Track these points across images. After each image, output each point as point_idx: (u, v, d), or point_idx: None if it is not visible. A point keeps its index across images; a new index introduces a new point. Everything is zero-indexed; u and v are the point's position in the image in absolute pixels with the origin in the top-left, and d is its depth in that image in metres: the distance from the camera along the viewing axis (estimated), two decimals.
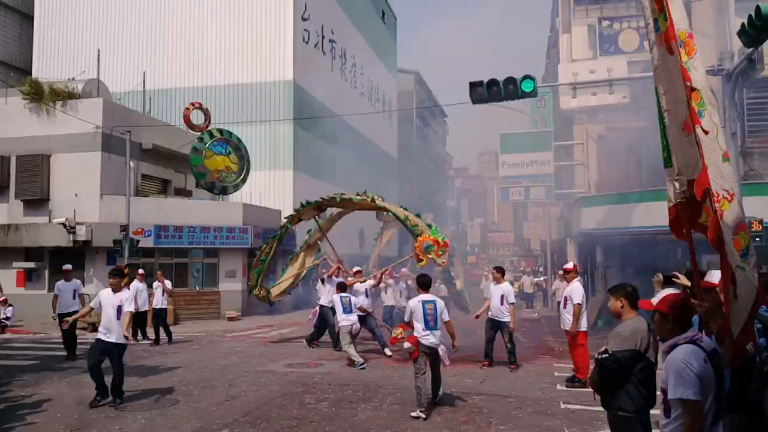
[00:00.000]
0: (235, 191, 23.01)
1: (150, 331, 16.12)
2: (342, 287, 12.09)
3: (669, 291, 3.62)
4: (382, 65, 46.75)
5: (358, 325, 11.67)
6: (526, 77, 12.97)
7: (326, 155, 32.61)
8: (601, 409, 4.34)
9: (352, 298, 11.88)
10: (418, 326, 7.72)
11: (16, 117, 20.54)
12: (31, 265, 19.45)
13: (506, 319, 10.64)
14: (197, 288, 21.47)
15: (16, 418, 7.67)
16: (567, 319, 9.52)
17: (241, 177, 22.78)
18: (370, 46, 43.21)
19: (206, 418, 7.54)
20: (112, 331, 8.33)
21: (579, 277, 10.33)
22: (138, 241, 19.01)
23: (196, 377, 10.28)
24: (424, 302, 7.78)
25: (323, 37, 33.32)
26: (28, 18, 31.04)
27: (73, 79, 21.95)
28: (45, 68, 29.09)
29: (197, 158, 21.36)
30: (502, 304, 10.67)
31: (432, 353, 7.82)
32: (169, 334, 15.06)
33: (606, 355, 4.06)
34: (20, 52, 30.59)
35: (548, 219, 28.57)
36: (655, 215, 17.45)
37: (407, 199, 55.53)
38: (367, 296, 12.89)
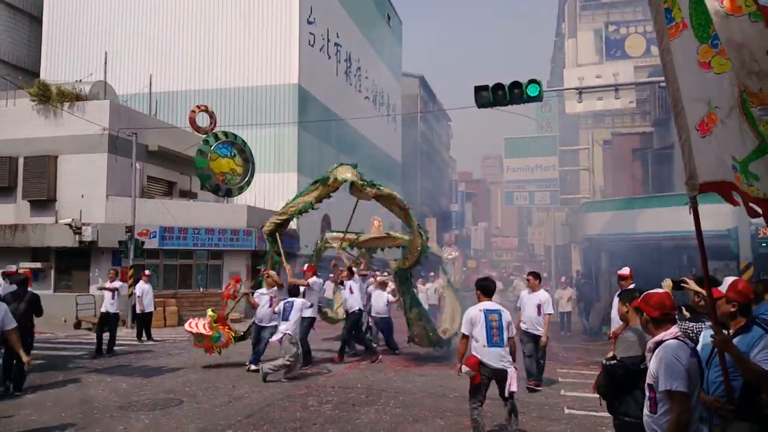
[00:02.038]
0: (239, 194, 23.08)
1: (155, 333, 16.23)
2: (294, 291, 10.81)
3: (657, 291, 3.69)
4: (387, 69, 46.86)
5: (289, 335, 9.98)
6: (532, 81, 12.97)
7: (330, 158, 32.61)
8: (606, 414, 4.36)
9: (296, 302, 10.30)
10: (478, 342, 6.22)
11: (24, 118, 20.67)
12: (38, 265, 19.52)
13: (542, 331, 9.31)
14: (201, 289, 21.54)
15: (21, 416, 7.72)
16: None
17: (246, 179, 22.84)
18: (375, 50, 43.32)
19: (210, 419, 7.57)
20: None
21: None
22: (143, 242, 19.10)
23: (200, 378, 10.31)
24: (486, 311, 6.27)
25: (328, 41, 33.43)
26: (37, 21, 31.25)
27: (81, 81, 22.05)
28: (53, 70, 29.26)
29: (202, 160, 21.42)
30: (538, 314, 9.29)
31: (497, 376, 6.26)
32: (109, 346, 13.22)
33: (614, 361, 4.08)
34: (29, 54, 30.79)
35: (553, 224, 28.57)
36: (661, 221, 17.42)
37: (411, 203, 55.52)
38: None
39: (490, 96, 12.98)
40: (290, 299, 10.36)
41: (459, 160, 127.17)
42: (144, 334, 15.72)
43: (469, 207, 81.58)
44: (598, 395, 4.32)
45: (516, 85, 12.90)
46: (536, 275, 9.84)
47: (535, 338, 9.30)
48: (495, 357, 6.14)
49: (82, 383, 9.92)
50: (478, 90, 13.08)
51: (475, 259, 56.41)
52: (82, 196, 19.68)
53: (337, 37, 34.76)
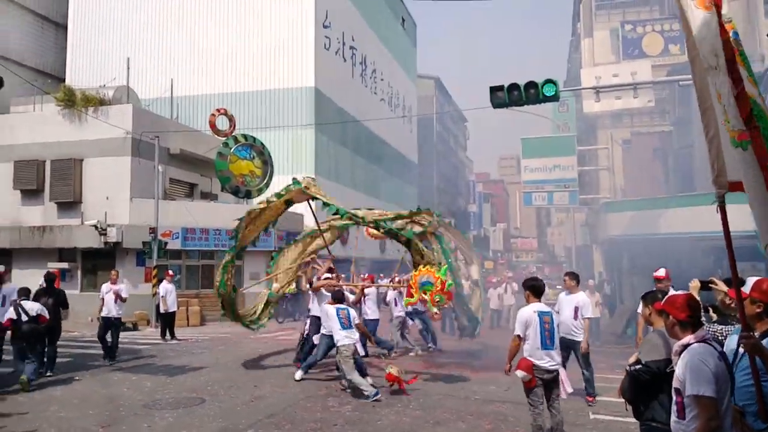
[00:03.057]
0: (258, 195, 23.22)
1: (178, 332, 16.48)
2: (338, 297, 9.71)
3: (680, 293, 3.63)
4: (402, 71, 46.95)
5: (360, 345, 9.53)
6: (548, 81, 12.85)
7: (347, 160, 32.90)
8: (633, 419, 4.26)
9: (351, 311, 9.49)
10: (533, 345, 6.09)
11: (50, 123, 21.14)
12: (65, 265, 19.93)
13: (580, 337, 8.62)
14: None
15: (50, 413, 7.94)
16: None
17: (265, 181, 23.00)
18: (390, 53, 43.45)
19: (232, 418, 7.71)
20: None
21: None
22: (166, 243, 19.43)
23: (222, 377, 10.49)
24: (540, 313, 6.13)
25: (344, 44, 33.63)
26: (62, 28, 31.87)
27: (104, 86, 22.47)
28: (78, 76, 29.79)
29: (222, 163, 21.61)
30: (575, 318, 8.65)
31: (551, 379, 6.17)
32: (111, 350, 12.17)
33: (639, 366, 4.02)
34: (54, 60, 31.39)
35: (573, 224, 28.36)
36: (686, 221, 17.28)
37: (427, 204, 55.61)
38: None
39: (506, 96, 12.91)
40: (343, 306, 9.50)
41: (476, 161, 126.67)
42: (168, 333, 15.99)
43: (487, 208, 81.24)
44: (623, 400, 4.29)
45: (532, 85, 12.82)
46: (573, 276, 9.10)
47: (571, 344, 8.61)
48: (549, 359, 6.07)
49: (107, 381, 10.15)
50: (494, 90, 12.99)
51: (492, 260, 55.97)
52: (107, 198, 20.06)
53: (353, 40, 34.95)
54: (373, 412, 8.10)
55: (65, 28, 31.94)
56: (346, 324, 9.10)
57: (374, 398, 8.56)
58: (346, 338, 8.98)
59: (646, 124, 29.51)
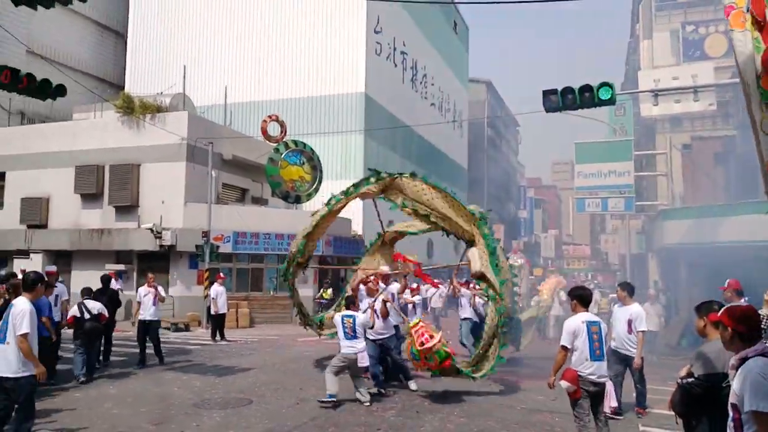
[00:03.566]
0: (308, 200, 23.58)
1: (227, 334, 16.78)
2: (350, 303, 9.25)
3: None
4: (453, 75, 46.72)
5: (364, 357, 8.69)
6: (604, 84, 12.58)
7: (396, 165, 32.85)
8: None
9: (359, 318, 8.81)
10: (581, 355, 5.88)
11: (110, 129, 21.96)
12: (122, 267, 20.62)
13: (634, 351, 8.20)
14: (271, 292, 22.13)
15: (104, 409, 8.19)
16: None
17: (314, 187, 23.32)
18: (442, 57, 43.30)
19: (278, 420, 7.78)
20: None
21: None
22: (218, 247, 19.85)
23: (269, 379, 10.60)
24: (588, 323, 5.95)
25: (395, 49, 33.71)
26: (121, 37, 33.16)
27: (161, 93, 23.22)
28: (136, 83, 30.91)
29: (273, 168, 22.05)
30: (629, 332, 8.24)
31: (599, 392, 5.92)
32: (158, 352, 12.17)
33: (691, 379, 3.89)
34: (114, 68, 32.69)
35: (627, 232, 27.50)
36: (749, 229, 16.53)
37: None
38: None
39: (560, 100, 12.69)
40: (350, 313, 8.92)
41: (528, 166, 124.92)
42: (218, 335, 16.31)
43: (539, 214, 79.98)
44: (673, 413, 4.13)
45: (587, 88, 12.54)
46: (626, 286, 8.62)
47: (625, 359, 8.26)
48: (597, 371, 5.86)
49: (159, 380, 10.42)
50: (547, 94, 12.81)
51: (542, 267, 54.82)
52: (163, 202, 20.65)
53: (404, 45, 34.99)
54: (417, 417, 8.05)
55: (124, 37, 33.18)
56: (350, 334, 8.64)
57: (328, 399, 8.41)
58: (349, 348, 8.62)
59: (707, 129, 28.41)
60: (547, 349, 15.64)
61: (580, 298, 6.11)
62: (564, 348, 5.93)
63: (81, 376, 9.91)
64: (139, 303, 12.15)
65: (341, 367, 8.67)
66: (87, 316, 10.04)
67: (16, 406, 5.74)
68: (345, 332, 8.64)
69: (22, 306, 5.71)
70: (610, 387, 5.98)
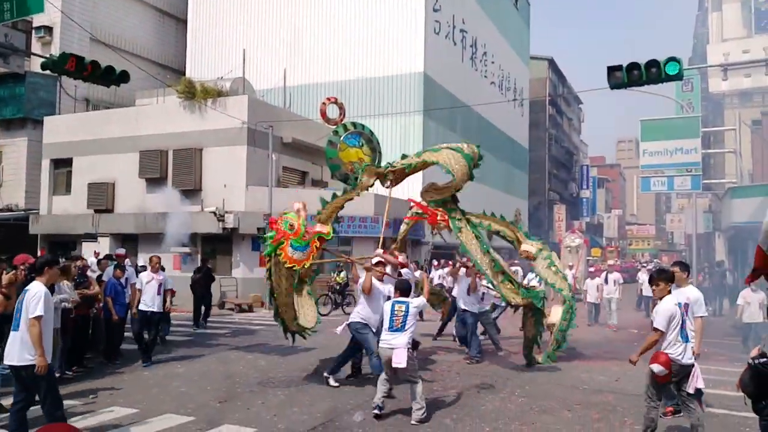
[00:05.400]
0: None
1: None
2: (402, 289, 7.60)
3: None
4: (514, 53, 45.66)
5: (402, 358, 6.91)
6: (671, 59, 12.08)
7: None
8: (750, 414, 4.07)
9: (412, 303, 7.29)
10: (673, 338, 5.79)
11: (172, 114, 22.60)
12: (186, 249, 21.31)
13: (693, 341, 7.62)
14: (332, 274, 22.43)
15: (173, 387, 8.57)
16: None
17: None
18: (502, 34, 42.35)
19: (340, 399, 7.94)
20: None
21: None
22: None
23: (332, 359, 10.80)
24: (679, 304, 5.89)
25: (454, 27, 33.20)
26: (182, 23, 33.92)
27: (222, 78, 23.65)
28: (197, 69, 31.59)
29: (332, 151, 21.96)
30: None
31: (683, 373, 5.86)
32: (147, 350, 10.26)
33: (765, 359, 3.78)
34: (175, 54, 33.51)
35: (694, 211, 26.45)
36: None
37: (538, 189, 54.10)
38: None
39: (624, 76, 12.30)
40: (402, 300, 7.38)
41: (591, 144, 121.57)
42: None
43: (602, 193, 77.84)
44: (742, 393, 4.03)
45: (653, 63, 12.09)
46: (683, 266, 7.47)
47: None
48: (686, 352, 5.82)
49: (225, 359, 10.79)
50: (612, 70, 12.42)
51: (599, 248, 52.93)
52: (225, 185, 21.16)
53: (463, 23, 34.41)
54: (478, 397, 8.09)
55: (185, 22, 33.92)
56: (397, 325, 7.13)
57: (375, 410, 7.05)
58: (383, 343, 7.19)
59: None
60: (604, 332, 15.37)
61: (669, 279, 6.06)
62: (660, 332, 5.82)
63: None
64: (140, 291, 10.22)
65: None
66: None
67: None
68: (392, 322, 7.10)
69: (36, 290, 5.52)
70: (697, 368, 5.89)
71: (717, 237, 29.49)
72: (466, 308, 11.28)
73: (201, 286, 15.76)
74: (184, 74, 29.55)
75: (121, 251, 13.04)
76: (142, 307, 10.09)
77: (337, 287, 19.64)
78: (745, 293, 12.65)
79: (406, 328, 7.02)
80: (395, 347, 6.91)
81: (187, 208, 21.61)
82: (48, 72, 12.73)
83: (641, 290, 20.07)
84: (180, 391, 8.36)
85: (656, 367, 5.76)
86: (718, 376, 8.82)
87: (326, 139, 23.36)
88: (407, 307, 7.11)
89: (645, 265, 26.83)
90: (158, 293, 10.22)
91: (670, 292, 6.03)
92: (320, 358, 10.84)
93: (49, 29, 25.61)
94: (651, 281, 6.34)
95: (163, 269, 11.39)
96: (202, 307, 15.73)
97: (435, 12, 30.57)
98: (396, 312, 7.10)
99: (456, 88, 32.70)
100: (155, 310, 10.21)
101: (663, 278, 6.07)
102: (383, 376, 7.23)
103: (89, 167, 23.73)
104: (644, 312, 19.09)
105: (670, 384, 5.91)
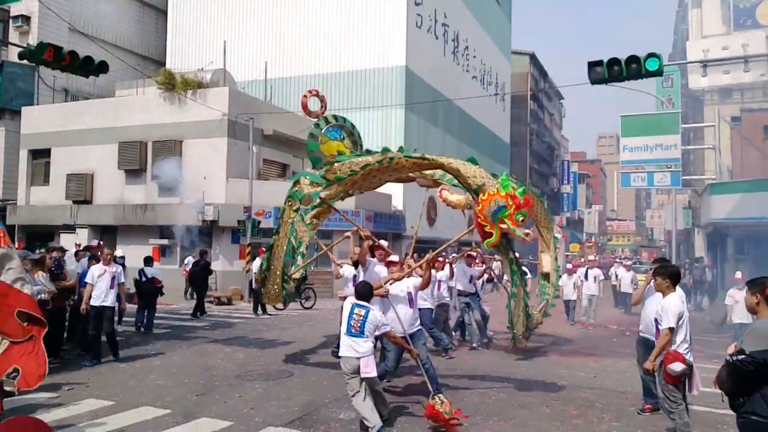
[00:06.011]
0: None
1: (269, 307, 17.05)
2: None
3: None
4: (496, 47, 45.78)
5: (370, 368, 6.25)
6: (651, 55, 12.14)
7: (437, 140, 32.60)
8: (728, 411, 4.09)
9: (373, 311, 6.43)
10: (682, 337, 5.80)
11: (151, 106, 22.34)
12: (165, 242, 21.09)
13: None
14: (312, 267, 22.33)
15: (150, 380, 8.45)
16: None
17: None
18: (484, 29, 42.42)
19: (318, 392, 7.90)
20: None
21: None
22: (259, 222, 20.10)
23: (309, 352, 10.79)
24: (684, 303, 5.96)
25: (436, 21, 33.16)
26: (162, 13, 33.47)
27: (202, 69, 23.41)
28: (177, 60, 31.23)
29: (313, 143, 21.84)
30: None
31: (689, 374, 5.90)
32: (113, 345, 9.76)
33: (742, 356, 3.80)
34: (155, 45, 33.07)
35: (674, 207, 26.76)
36: None
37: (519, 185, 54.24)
38: (410, 305, 7.59)
39: (605, 72, 12.33)
40: (363, 303, 6.49)
41: (572, 140, 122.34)
42: (259, 308, 16.59)
43: (582, 189, 78.48)
44: (719, 391, 4.05)
45: (633, 59, 12.13)
46: (672, 275, 6.87)
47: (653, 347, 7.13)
48: (690, 350, 5.81)
49: (203, 352, 10.68)
50: (593, 65, 12.46)
51: (578, 243, 53.18)
52: (204, 178, 20.96)
53: (445, 17, 34.38)
54: (456, 392, 8.05)
55: (165, 13, 33.49)
56: (355, 330, 6.33)
57: None
58: (347, 349, 6.38)
59: (757, 100, 27.30)
60: (583, 329, 15.46)
61: (675, 276, 6.00)
62: (670, 330, 5.75)
63: (141, 327, 12.61)
64: (92, 285, 9.41)
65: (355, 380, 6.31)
66: (144, 279, 12.97)
67: None
68: (350, 327, 6.34)
69: None
70: (696, 369, 5.87)
71: (696, 233, 29.87)
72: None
73: (199, 278, 16.37)
74: (164, 65, 29.19)
75: (94, 242, 13.02)
76: (93, 302, 9.36)
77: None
78: (732, 292, 12.66)
79: (365, 333, 6.26)
80: (362, 356, 6.19)
81: (167, 199, 21.41)
82: (26, 62, 12.59)
83: (617, 286, 19.60)
84: (157, 383, 8.26)
85: (678, 366, 5.66)
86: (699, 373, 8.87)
87: (307, 131, 23.22)
88: (367, 312, 6.34)
89: (622, 261, 26.91)
90: (111, 287, 9.50)
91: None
92: (298, 351, 10.80)
93: (26, 18, 25.18)
94: (654, 274, 6.25)
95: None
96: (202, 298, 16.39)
97: (417, 6, 30.49)
98: (354, 316, 6.33)
99: (438, 82, 32.70)
100: (108, 304, 9.48)
101: (663, 274, 6.00)
102: (360, 394, 6.27)
103: (68, 158, 23.42)
104: (622, 309, 18.85)
105: (681, 384, 5.85)
